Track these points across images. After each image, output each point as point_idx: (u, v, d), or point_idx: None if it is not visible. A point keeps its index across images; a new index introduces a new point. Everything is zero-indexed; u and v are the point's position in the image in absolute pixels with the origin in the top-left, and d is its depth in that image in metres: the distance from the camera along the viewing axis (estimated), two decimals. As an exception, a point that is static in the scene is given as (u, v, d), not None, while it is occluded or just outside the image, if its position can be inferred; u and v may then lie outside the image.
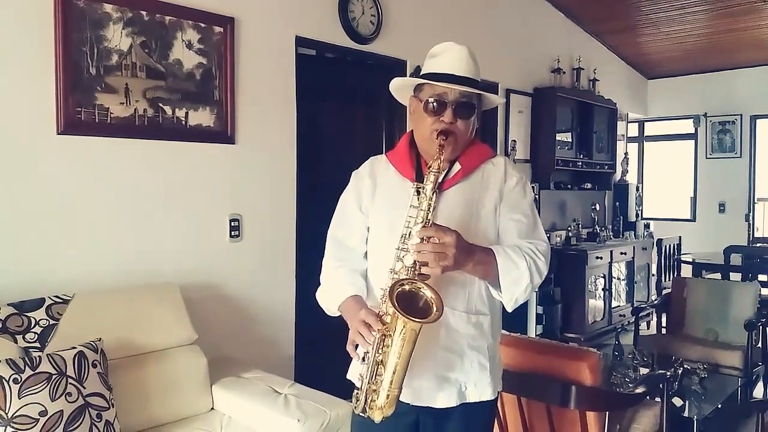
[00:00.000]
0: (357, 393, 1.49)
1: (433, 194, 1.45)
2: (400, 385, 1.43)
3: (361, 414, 1.47)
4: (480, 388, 1.62)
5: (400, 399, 1.46)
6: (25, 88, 2.46)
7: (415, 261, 1.41)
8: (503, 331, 1.84)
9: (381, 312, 1.45)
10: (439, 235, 1.38)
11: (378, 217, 1.65)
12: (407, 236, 1.46)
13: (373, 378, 1.44)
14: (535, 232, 1.61)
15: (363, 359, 1.47)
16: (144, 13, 2.77)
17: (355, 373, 1.56)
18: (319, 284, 1.72)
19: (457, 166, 1.61)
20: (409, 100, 1.68)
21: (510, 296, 1.52)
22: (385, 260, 1.52)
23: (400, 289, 1.39)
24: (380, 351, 1.42)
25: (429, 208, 1.45)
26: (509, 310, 1.59)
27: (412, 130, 1.69)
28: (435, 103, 1.55)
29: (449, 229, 1.40)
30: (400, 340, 1.39)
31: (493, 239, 1.60)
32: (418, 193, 1.48)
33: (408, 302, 1.39)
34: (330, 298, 1.65)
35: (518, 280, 1.50)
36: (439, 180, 1.49)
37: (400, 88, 1.71)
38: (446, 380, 1.58)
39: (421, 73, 1.62)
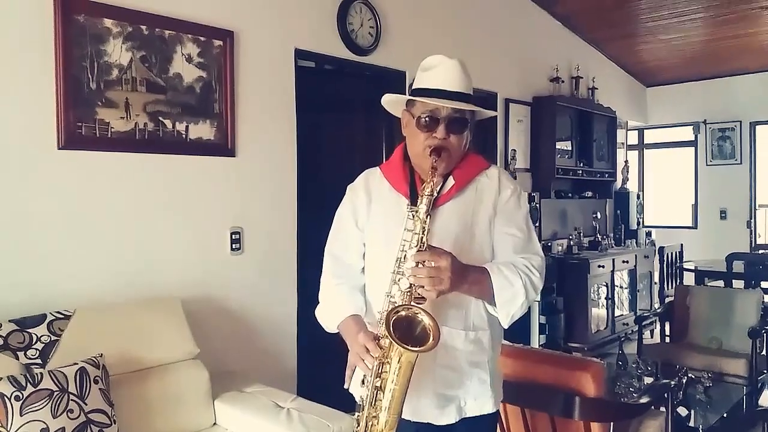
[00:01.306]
0: (358, 417, 1.49)
1: (426, 217, 1.44)
2: (399, 410, 1.43)
3: None
4: (480, 402, 1.62)
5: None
6: (26, 103, 2.46)
7: (411, 284, 1.41)
8: (506, 342, 1.83)
9: (378, 335, 1.44)
10: (434, 259, 1.38)
11: (374, 232, 1.65)
12: (402, 260, 1.45)
13: (373, 403, 1.43)
14: (529, 245, 1.61)
15: (362, 382, 1.47)
16: (144, 27, 2.78)
17: (355, 386, 1.56)
18: (319, 301, 1.71)
19: (450, 181, 1.60)
20: (401, 114, 1.67)
21: (506, 314, 1.52)
22: (382, 275, 1.52)
23: (396, 316, 1.39)
24: (378, 377, 1.42)
25: (423, 231, 1.43)
26: (505, 326, 1.59)
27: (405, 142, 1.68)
28: (427, 119, 1.54)
29: (444, 251, 1.40)
30: (397, 367, 1.39)
31: (488, 256, 1.60)
32: (412, 217, 1.47)
33: (405, 329, 1.39)
34: (329, 317, 1.65)
35: (513, 298, 1.50)
36: (433, 199, 1.48)
37: (392, 103, 1.70)
38: (446, 398, 1.58)
39: (413, 87, 1.62)
